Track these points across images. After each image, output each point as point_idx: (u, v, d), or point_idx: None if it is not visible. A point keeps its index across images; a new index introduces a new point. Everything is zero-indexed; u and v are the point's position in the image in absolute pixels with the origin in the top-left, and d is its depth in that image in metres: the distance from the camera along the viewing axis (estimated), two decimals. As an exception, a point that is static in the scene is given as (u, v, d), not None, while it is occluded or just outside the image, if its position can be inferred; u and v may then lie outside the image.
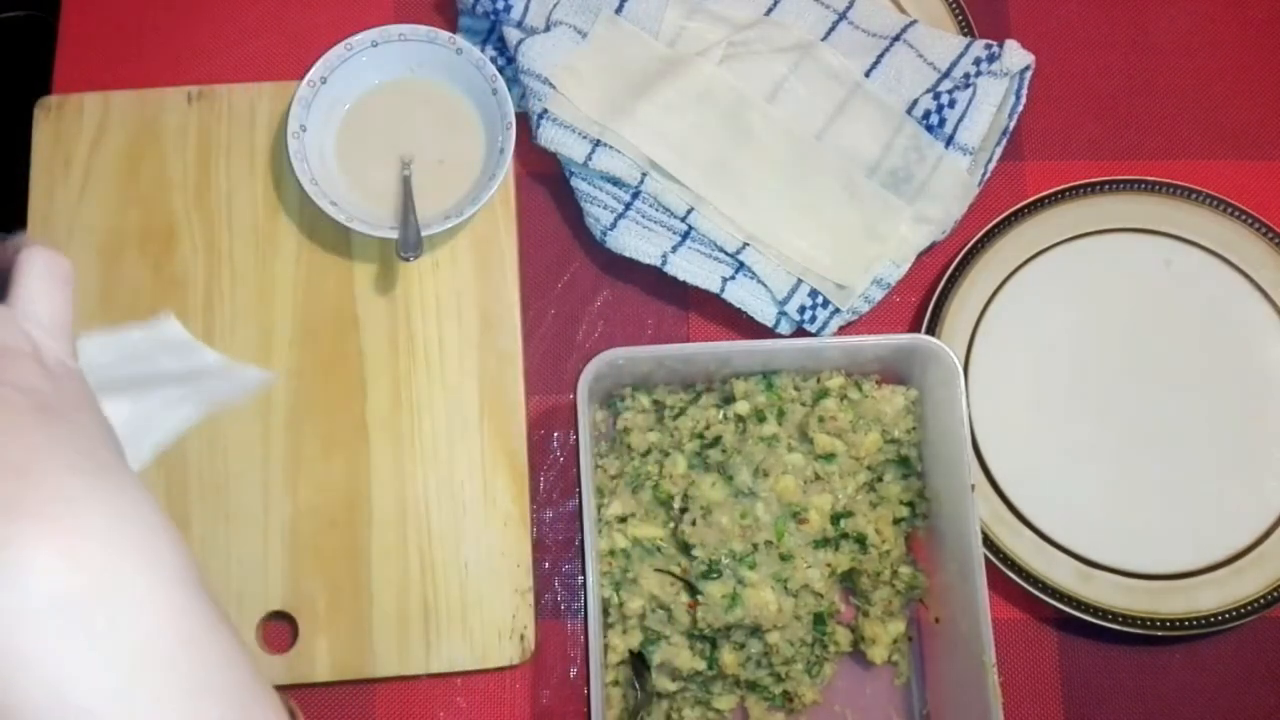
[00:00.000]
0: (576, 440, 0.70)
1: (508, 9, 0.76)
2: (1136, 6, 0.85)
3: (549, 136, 0.75)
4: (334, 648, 0.70)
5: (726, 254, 0.75)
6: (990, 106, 0.75)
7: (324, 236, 0.76)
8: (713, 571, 0.67)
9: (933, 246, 0.77)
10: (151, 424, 0.50)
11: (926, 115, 0.76)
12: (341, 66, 0.75)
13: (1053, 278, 0.77)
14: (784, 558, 0.68)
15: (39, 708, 0.31)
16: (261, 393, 0.52)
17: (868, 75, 0.77)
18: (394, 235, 0.71)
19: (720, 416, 0.71)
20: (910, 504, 0.72)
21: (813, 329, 0.74)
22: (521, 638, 0.71)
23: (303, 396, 0.73)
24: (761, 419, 0.70)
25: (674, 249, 0.75)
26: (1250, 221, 0.77)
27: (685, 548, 0.69)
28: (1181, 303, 0.77)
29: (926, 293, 0.78)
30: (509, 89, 0.74)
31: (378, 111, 0.76)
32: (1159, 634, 0.71)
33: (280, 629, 0.71)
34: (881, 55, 0.77)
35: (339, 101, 0.76)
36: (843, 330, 0.75)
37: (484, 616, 0.71)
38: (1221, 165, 0.81)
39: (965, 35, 0.80)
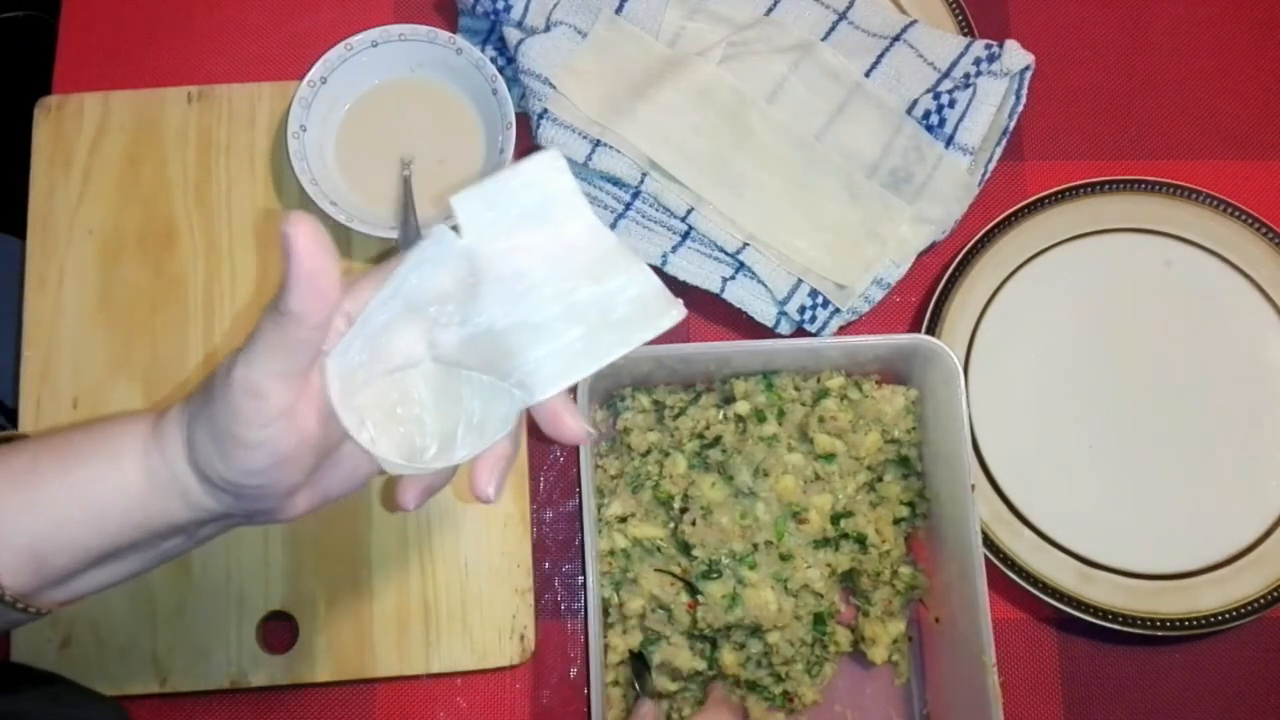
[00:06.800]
0: (576, 440, 0.70)
1: (508, 9, 0.76)
2: (1136, 6, 0.85)
3: (549, 136, 0.75)
4: (334, 648, 0.70)
5: (726, 254, 0.75)
6: (990, 106, 0.75)
7: (324, 236, 0.76)
8: (713, 571, 0.67)
9: (933, 246, 0.77)
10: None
11: (926, 115, 0.76)
12: (341, 66, 0.75)
13: (1053, 278, 0.77)
14: (784, 558, 0.68)
15: None
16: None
17: (868, 75, 0.77)
18: (394, 235, 0.71)
19: (720, 416, 0.71)
20: (910, 504, 0.72)
21: (813, 329, 0.74)
22: (521, 638, 0.71)
23: (303, 396, 0.73)
24: (761, 419, 0.70)
25: (674, 249, 0.75)
26: (1250, 221, 0.77)
27: (685, 548, 0.69)
28: (1181, 303, 0.77)
29: (926, 293, 0.78)
30: (509, 89, 0.74)
31: (378, 111, 0.76)
32: (1159, 634, 0.71)
33: (280, 629, 0.71)
34: (881, 55, 0.77)
35: (339, 101, 0.76)
36: (843, 330, 0.75)
37: (484, 616, 0.71)
38: (1221, 165, 0.81)
39: (965, 35, 0.80)
